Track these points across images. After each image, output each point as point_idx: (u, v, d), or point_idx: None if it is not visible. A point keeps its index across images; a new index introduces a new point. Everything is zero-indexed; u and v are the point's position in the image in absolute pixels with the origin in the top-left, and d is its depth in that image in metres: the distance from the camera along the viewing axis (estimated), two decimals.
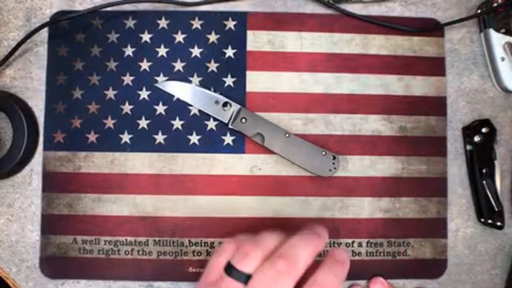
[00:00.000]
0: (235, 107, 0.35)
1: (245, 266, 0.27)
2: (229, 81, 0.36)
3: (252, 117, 0.35)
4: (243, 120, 0.35)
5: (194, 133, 0.36)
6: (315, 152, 0.35)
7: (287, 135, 0.35)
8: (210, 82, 0.36)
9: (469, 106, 0.37)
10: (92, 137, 0.36)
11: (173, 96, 0.36)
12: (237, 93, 0.36)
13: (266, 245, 0.27)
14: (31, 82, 0.36)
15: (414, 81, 0.37)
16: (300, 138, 0.35)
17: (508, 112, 0.37)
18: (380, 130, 0.36)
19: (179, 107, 0.36)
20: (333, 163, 0.35)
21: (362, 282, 0.36)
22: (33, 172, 0.36)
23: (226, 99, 0.35)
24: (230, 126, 0.35)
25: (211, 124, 0.36)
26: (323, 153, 0.35)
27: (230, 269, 0.27)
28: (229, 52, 0.36)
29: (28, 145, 0.35)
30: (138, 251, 0.35)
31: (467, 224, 0.37)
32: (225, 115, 0.35)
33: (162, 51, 0.36)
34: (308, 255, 0.26)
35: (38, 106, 0.36)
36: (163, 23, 0.36)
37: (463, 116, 0.37)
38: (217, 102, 0.35)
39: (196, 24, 0.36)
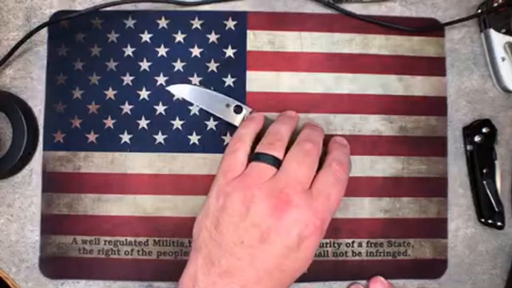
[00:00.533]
0: (245, 110, 0.35)
1: (274, 151, 0.29)
2: (229, 81, 0.36)
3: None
4: None
5: (194, 133, 0.36)
6: None
7: None
8: (210, 82, 0.36)
9: (469, 106, 0.37)
10: (92, 137, 0.36)
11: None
12: (237, 93, 0.36)
13: (284, 134, 0.31)
14: (31, 82, 0.36)
15: (414, 81, 0.37)
16: None
17: (508, 112, 0.37)
18: (380, 130, 0.36)
19: (179, 107, 0.36)
20: None
21: (362, 282, 0.36)
22: (33, 172, 0.36)
23: (237, 102, 0.35)
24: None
25: (211, 124, 0.36)
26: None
27: (258, 156, 0.29)
28: (229, 52, 0.36)
29: (28, 145, 0.35)
30: (138, 251, 0.35)
31: (467, 224, 0.37)
32: (237, 118, 0.35)
33: (162, 51, 0.36)
34: (320, 142, 0.31)
35: (38, 106, 0.36)
36: (163, 23, 0.36)
37: (463, 116, 0.37)
38: (228, 105, 0.35)
39: (196, 24, 0.36)
